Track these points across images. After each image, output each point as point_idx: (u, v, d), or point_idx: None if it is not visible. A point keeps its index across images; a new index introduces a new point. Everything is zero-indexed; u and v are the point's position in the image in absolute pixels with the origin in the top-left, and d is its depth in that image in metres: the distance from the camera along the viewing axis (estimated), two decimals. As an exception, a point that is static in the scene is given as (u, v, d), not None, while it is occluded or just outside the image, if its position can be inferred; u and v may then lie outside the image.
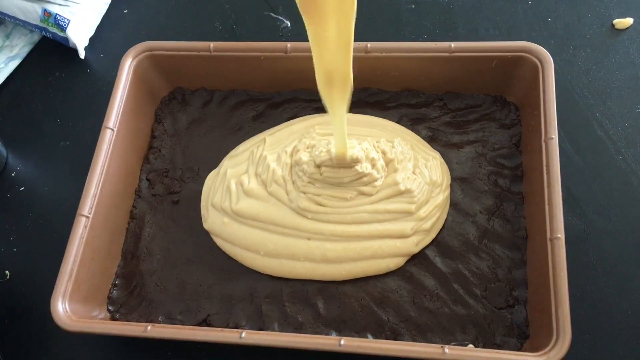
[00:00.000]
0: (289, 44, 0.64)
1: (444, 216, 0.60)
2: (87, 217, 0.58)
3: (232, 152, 0.67)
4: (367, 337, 0.55)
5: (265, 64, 0.65)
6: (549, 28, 0.73)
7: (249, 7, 0.79)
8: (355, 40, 0.61)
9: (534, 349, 0.50)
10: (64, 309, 0.54)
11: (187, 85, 0.71)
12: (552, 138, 0.56)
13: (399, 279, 0.58)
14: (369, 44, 0.62)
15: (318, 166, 0.59)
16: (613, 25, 0.72)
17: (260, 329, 0.56)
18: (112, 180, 0.61)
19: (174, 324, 0.58)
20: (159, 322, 0.58)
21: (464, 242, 0.59)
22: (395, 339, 0.54)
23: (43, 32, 0.78)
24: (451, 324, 0.55)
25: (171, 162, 0.67)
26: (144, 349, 0.59)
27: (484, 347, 0.54)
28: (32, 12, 0.77)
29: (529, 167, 0.60)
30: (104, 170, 0.60)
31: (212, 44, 0.65)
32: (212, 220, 0.62)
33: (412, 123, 0.66)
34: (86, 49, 0.78)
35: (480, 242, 0.59)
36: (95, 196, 0.59)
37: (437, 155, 0.63)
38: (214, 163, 0.66)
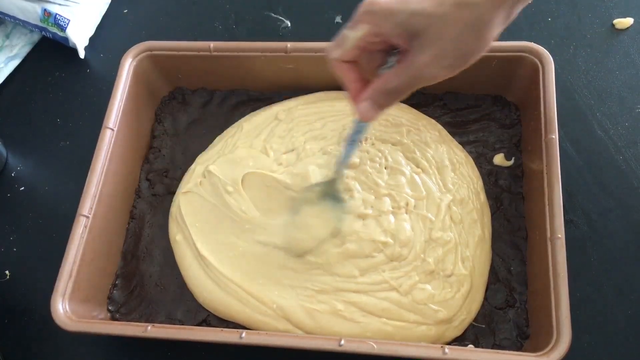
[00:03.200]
0: (289, 44, 0.64)
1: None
2: (87, 217, 0.58)
3: (209, 147, 0.66)
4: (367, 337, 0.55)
5: (265, 64, 0.65)
6: (549, 28, 0.73)
7: (249, 7, 0.79)
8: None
9: (534, 349, 0.50)
10: (64, 309, 0.54)
11: (187, 85, 0.71)
12: (552, 138, 0.56)
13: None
14: (369, 44, 0.62)
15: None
16: (613, 25, 0.72)
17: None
18: (112, 180, 0.61)
19: (174, 324, 0.58)
20: (159, 322, 0.58)
21: (464, 242, 0.59)
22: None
23: (43, 32, 0.78)
24: (451, 324, 0.55)
25: (171, 162, 0.67)
26: (144, 349, 0.59)
27: (484, 347, 0.54)
28: (32, 12, 0.76)
29: (529, 167, 0.60)
30: (104, 170, 0.60)
31: (212, 44, 0.65)
32: (170, 232, 0.62)
33: (412, 123, 0.66)
34: (86, 49, 0.78)
35: (480, 242, 0.59)
36: (95, 196, 0.59)
37: (462, 152, 0.62)
38: (214, 163, 0.66)
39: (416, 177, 0.59)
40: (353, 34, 0.45)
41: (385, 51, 0.46)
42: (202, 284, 0.58)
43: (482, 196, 0.60)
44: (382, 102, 0.47)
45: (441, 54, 0.43)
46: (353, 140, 0.52)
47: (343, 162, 0.54)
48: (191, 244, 0.59)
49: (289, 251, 0.57)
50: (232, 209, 0.60)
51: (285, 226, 0.58)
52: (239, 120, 0.67)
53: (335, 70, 0.48)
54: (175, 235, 0.61)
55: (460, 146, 0.63)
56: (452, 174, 0.59)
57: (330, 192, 0.57)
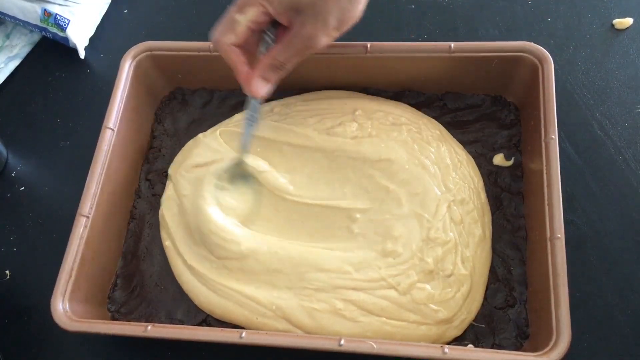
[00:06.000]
0: (289, 44, 0.64)
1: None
2: (87, 217, 0.58)
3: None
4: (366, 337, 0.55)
5: (265, 64, 0.65)
6: (549, 28, 0.73)
7: (249, 7, 0.79)
8: (356, 40, 0.62)
9: (534, 349, 0.50)
10: (64, 309, 0.54)
11: (187, 85, 0.71)
12: (552, 138, 0.56)
13: (399, 279, 0.58)
14: (369, 44, 0.62)
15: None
16: (613, 25, 0.72)
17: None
18: (112, 180, 0.61)
19: (174, 324, 0.58)
20: (159, 322, 0.58)
21: (464, 242, 0.59)
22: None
23: (43, 32, 0.78)
24: (451, 324, 0.55)
25: (171, 162, 0.67)
26: (144, 349, 0.59)
27: (484, 347, 0.54)
28: (32, 12, 0.77)
29: (529, 167, 0.60)
30: (104, 170, 0.60)
31: (212, 44, 0.65)
32: (162, 237, 0.62)
33: (412, 123, 0.66)
34: (86, 49, 0.78)
35: (480, 242, 0.59)
36: (95, 196, 0.59)
37: (463, 152, 0.62)
38: (214, 163, 0.66)
39: (415, 170, 0.59)
40: (244, 17, 0.51)
41: (262, 30, 0.53)
42: (196, 289, 0.58)
43: (483, 196, 0.60)
44: (271, 77, 0.54)
45: (325, 24, 0.50)
46: (250, 119, 0.58)
47: (244, 142, 0.60)
48: (179, 253, 0.59)
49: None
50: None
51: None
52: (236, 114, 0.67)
53: (227, 54, 0.53)
54: (165, 241, 0.61)
55: (461, 146, 0.63)
56: (454, 173, 0.59)
57: (238, 173, 0.61)
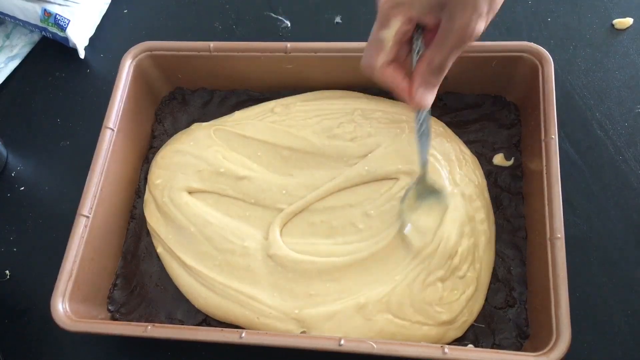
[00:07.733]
0: (289, 44, 0.64)
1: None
2: (87, 217, 0.58)
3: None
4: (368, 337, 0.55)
5: (265, 64, 0.65)
6: (549, 28, 0.73)
7: (249, 7, 0.79)
8: (356, 40, 0.62)
9: (534, 349, 0.50)
10: (64, 309, 0.54)
11: (187, 85, 0.71)
12: (552, 138, 0.56)
13: (399, 279, 0.58)
14: (369, 44, 0.62)
15: None
16: (613, 25, 0.72)
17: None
18: (112, 180, 0.61)
19: (174, 324, 0.58)
20: (159, 322, 0.58)
21: (464, 242, 0.59)
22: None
23: (43, 32, 0.78)
24: (451, 324, 0.55)
25: (171, 162, 0.67)
26: (144, 349, 0.59)
27: (484, 347, 0.54)
28: (32, 12, 0.77)
29: (529, 167, 0.60)
30: (104, 170, 0.60)
31: (212, 44, 0.65)
32: (154, 243, 0.62)
33: (412, 123, 0.66)
34: (86, 49, 0.78)
35: (480, 242, 0.59)
36: (95, 196, 0.59)
37: (468, 151, 0.62)
38: (214, 163, 0.66)
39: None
40: (389, 32, 0.46)
41: (409, 40, 0.48)
42: (196, 292, 0.58)
43: (487, 196, 0.60)
44: (433, 82, 0.48)
45: (476, 8, 0.44)
46: (422, 133, 0.52)
47: (422, 157, 0.55)
48: (174, 256, 0.59)
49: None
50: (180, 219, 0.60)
51: (406, 238, 0.57)
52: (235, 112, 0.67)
53: (383, 77, 0.49)
54: (157, 248, 0.61)
55: (464, 145, 0.63)
56: (459, 169, 0.59)
57: (424, 189, 0.57)
